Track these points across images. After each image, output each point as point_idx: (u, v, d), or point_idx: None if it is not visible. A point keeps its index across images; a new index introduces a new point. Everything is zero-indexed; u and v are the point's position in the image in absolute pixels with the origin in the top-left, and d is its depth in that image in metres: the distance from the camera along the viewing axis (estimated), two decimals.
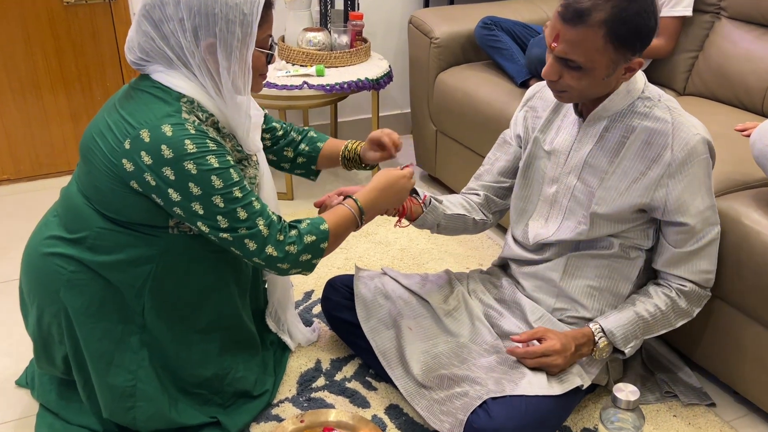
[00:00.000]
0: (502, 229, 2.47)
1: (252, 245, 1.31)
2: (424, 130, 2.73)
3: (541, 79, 2.35)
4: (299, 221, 1.40)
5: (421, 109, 2.72)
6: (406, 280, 1.77)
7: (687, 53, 2.37)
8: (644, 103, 1.47)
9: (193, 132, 1.27)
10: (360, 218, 1.44)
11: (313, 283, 2.13)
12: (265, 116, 1.67)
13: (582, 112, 1.54)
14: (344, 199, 1.48)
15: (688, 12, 2.30)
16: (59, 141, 2.78)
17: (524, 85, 2.35)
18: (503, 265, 1.80)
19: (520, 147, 1.69)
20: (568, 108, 1.58)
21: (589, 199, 1.51)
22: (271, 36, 1.36)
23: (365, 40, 2.76)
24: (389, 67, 2.69)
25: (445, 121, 2.59)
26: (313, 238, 1.37)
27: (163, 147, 1.25)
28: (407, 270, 2.23)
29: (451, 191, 2.75)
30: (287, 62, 2.65)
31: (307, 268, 1.39)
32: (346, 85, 2.48)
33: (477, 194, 1.77)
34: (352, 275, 1.78)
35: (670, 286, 1.52)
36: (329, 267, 2.22)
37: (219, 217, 1.29)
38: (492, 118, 2.31)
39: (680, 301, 1.52)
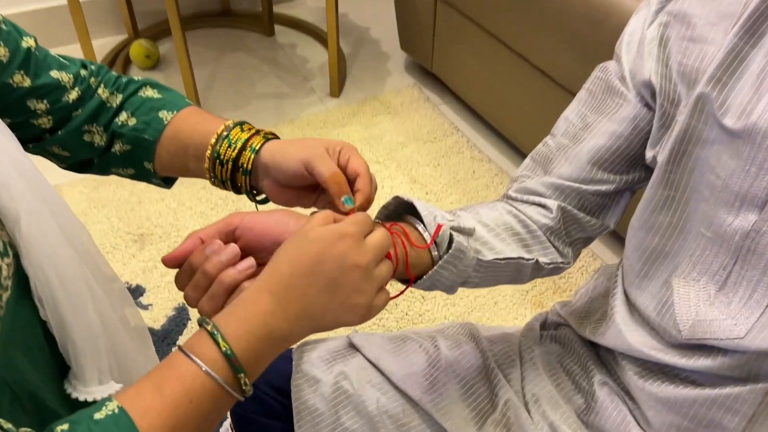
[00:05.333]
0: None
1: None
2: None
3: None
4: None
5: None
6: (401, 367, 0.93)
7: None
8: None
9: None
10: (239, 387, 0.56)
11: None
12: (34, 55, 0.71)
13: None
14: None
15: None
16: None
17: None
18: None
19: (649, 107, 0.77)
20: None
21: None
22: None
23: None
24: None
25: None
26: None
27: None
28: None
29: (455, 96, 1.76)
30: None
31: None
32: None
33: (542, 204, 0.85)
34: (287, 359, 0.90)
35: None
36: None
37: None
38: None
39: None
